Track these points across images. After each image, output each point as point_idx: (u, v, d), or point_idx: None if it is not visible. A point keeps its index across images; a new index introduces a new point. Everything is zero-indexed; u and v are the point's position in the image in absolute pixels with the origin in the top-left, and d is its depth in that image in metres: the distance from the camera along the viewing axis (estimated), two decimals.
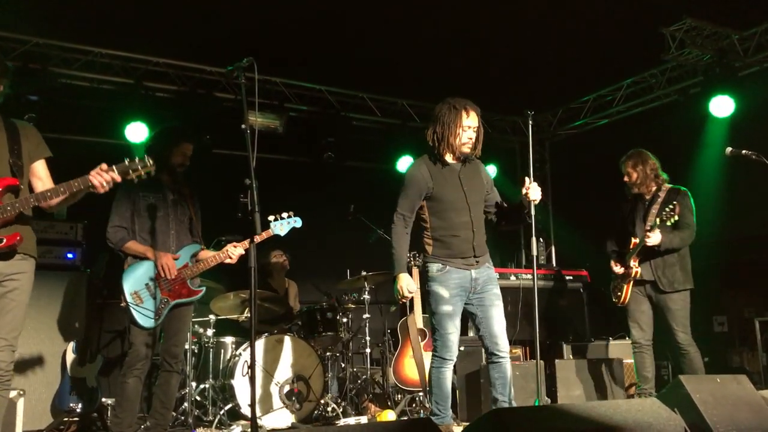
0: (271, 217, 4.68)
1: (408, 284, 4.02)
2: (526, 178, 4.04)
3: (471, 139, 4.06)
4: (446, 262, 3.97)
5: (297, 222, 4.75)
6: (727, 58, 6.80)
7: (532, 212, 3.99)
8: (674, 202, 4.96)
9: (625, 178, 5.34)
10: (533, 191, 3.95)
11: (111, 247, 4.40)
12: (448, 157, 4.12)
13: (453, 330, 3.95)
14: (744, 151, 4.93)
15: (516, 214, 4.16)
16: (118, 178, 3.43)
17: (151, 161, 3.49)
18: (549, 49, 6.90)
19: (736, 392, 3.23)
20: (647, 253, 5.09)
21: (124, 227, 4.35)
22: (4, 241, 3.32)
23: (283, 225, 4.70)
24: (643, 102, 8.05)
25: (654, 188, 5.24)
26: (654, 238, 4.98)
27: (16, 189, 3.42)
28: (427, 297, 4.05)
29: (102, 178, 3.40)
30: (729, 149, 5.00)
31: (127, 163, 3.45)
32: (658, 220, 4.95)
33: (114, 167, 3.44)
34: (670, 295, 5.05)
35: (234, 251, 4.52)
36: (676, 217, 4.92)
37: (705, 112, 7.01)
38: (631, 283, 5.17)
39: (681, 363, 5.09)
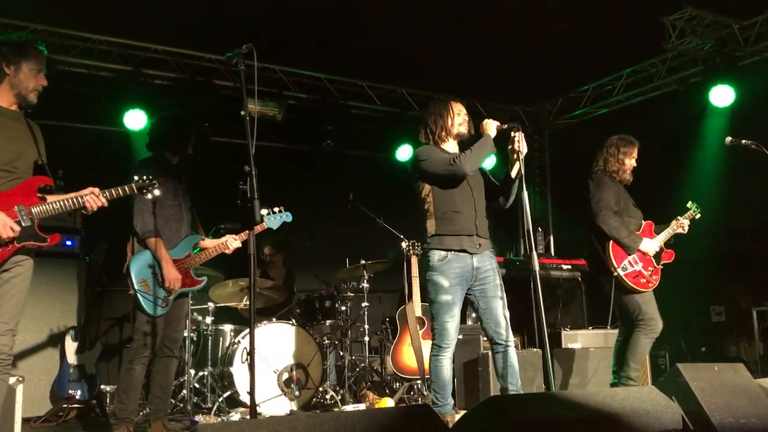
0: (264, 211, 4.75)
1: None
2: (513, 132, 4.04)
3: (465, 120, 4.19)
4: (449, 246, 3.98)
5: (288, 216, 4.92)
6: (727, 47, 6.78)
7: (522, 168, 3.98)
8: None
9: (633, 163, 5.13)
10: (522, 143, 3.99)
11: (122, 234, 4.44)
12: (447, 145, 4.20)
13: (450, 319, 3.97)
14: (744, 141, 4.93)
15: (508, 185, 4.16)
16: (106, 204, 3.62)
17: (156, 182, 3.84)
18: (549, 37, 6.87)
19: (734, 380, 3.24)
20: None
21: (155, 216, 4.35)
22: (48, 240, 3.47)
23: (276, 219, 4.86)
24: (643, 91, 8.03)
25: None
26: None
27: (50, 188, 3.56)
28: (427, 285, 4.08)
29: (96, 202, 3.56)
30: (729, 139, 4.99)
31: (141, 182, 3.79)
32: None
33: (133, 185, 3.74)
34: None
35: (232, 243, 4.62)
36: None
37: (705, 101, 6.99)
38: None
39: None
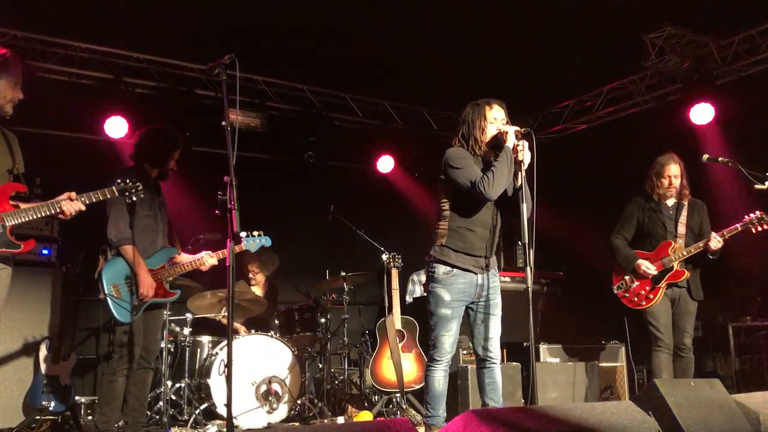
0: (243, 233, 4.81)
1: None
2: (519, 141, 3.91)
3: (499, 130, 3.94)
4: (455, 262, 3.89)
5: (267, 241, 5.02)
6: (705, 66, 6.89)
7: (522, 173, 3.86)
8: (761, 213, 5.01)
9: (674, 181, 5.22)
10: (525, 152, 3.87)
11: (99, 242, 4.40)
12: (482, 154, 4.00)
13: (446, 333, 3.92)
14: (720, 159, 5.01)
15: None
16: (83, 208, 3.61)
17: (140, 186, 3.89)
18: (530, 53, 6.93)
19: (710, 396, 3.26)
20: (687, 260, 5.16)
21: (131, 227, 4.35)
22: (22, 247, 3.45)
23: (255, 242, 4.95)
24: (623, 108, 8.11)
25: (683, 195, 5.28)
26: (718, 243, 5.05)
27: (25, 195, 3.54)
28: (428, 297, 4.01)
29: (72, 208, 3.54)
30: (706, 156, 5.07)
31: (123, 185, 3.82)
32: (739, 227, 5.03)
33: (114, 188, 3.75)
34: (695, 303, 5.19)
35: (208, 260, 4.64)
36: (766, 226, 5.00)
37: (683, 119, 7.09)
38: (665, 287, 5.18)
39: (678, 364, 5.15)
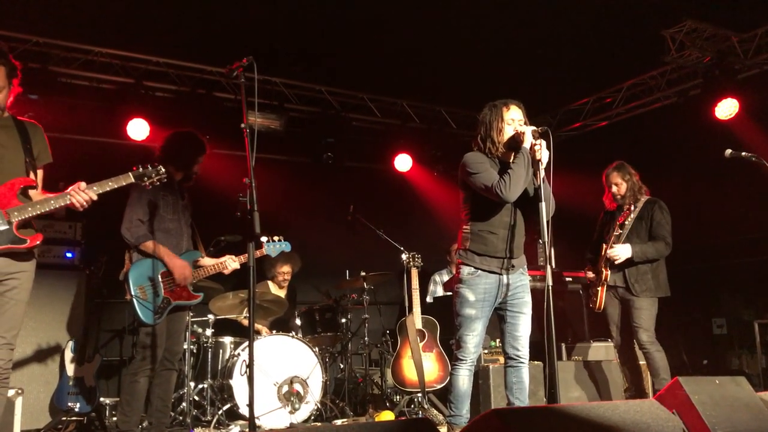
0: (264, 238, 4.97)
1: None
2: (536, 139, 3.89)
3: (516, 131, 3.94)
4: (479, 265, 3.91)
5: (287, 246, 5.14)
6: (726, 60, 6.80)
7: (541, 172, 3.84)
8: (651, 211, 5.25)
9: (613, 189, 5.45)
10: (543, 151, 3.87)
11: (123, 244, 4.43)
12: (500, 156, 4.00)
13: (470, 333, 3.94)
14: (744, 153, 4.96)
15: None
16: (95, 198, 3.49)
17: (162, 170, 3.74)
18: (549, 50, 6.89)
19: (735, 394, 3.22)
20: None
21: (145, 223, 4.37)
22: (28, 242, 3.37)
23: (275, 247, 5.07)
24: (643, 104, 8.03)
25: (635, 199, 5.38)
26: (617, 251, 5.19)
27: (34, 189, 3.48)
28: (454, 297, 4.03)
29: (81, 198, 3.44)
30: (729, 151, 5.02)
31: (141, 170, 3.67)
32: (620, 231, 5.24)
33: (130, 174, 3.61)
34: (640, 298, 5.22)
35: (231, 264, 4.71)
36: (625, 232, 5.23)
37: (704, 114, 7.00)
38: (605, 287, 5.36)
39: (646, 362, 5.30)
